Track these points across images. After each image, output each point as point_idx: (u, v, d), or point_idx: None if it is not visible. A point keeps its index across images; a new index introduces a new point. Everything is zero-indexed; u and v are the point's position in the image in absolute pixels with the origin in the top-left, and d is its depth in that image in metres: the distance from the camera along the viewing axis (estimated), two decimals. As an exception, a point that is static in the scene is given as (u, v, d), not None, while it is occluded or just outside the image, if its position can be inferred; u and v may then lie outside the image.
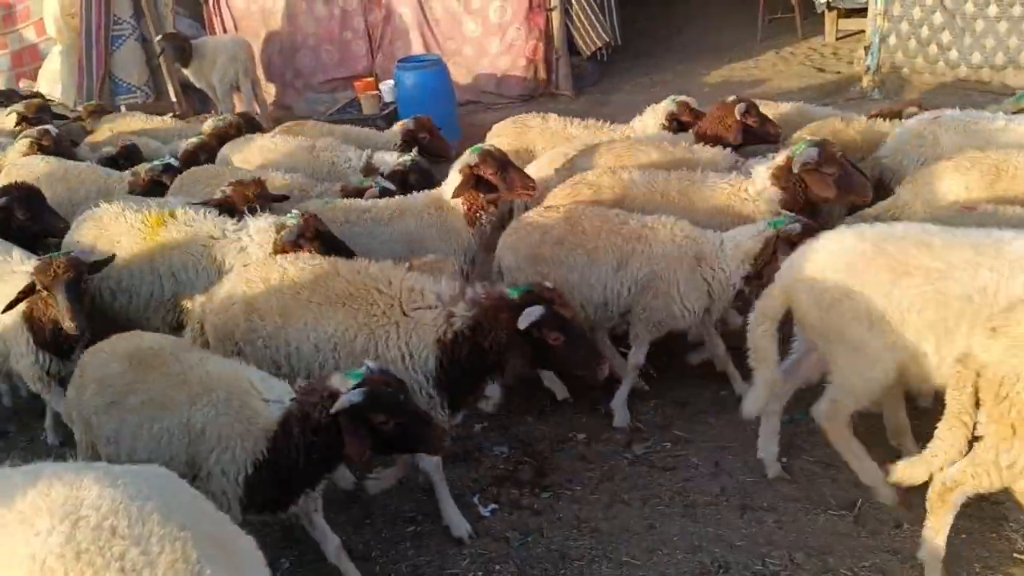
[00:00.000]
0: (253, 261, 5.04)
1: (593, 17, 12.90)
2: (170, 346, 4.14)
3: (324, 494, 4.00)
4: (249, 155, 7.46)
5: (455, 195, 5.59)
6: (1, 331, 5.10)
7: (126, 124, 9.37)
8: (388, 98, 11.29)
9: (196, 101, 13.13)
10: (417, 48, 13.00)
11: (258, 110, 11.78)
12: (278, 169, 6.90)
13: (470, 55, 13.14)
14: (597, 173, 5.91)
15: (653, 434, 5.26)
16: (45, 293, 4.81)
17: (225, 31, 13.32)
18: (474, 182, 5.55)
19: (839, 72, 12.78)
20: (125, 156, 7.94)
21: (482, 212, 5.66)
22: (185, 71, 12.06)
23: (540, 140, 7.51)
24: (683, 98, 7.39)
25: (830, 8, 13.83)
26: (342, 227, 5.52)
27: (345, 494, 4.84)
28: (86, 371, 4.10)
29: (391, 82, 11.32)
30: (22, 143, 7.78)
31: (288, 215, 5.20)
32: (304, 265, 4.54)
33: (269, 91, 13.42)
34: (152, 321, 5.52)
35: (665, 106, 7.32)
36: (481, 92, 13.03)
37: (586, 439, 5.26)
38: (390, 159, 6.99)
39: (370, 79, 12.25)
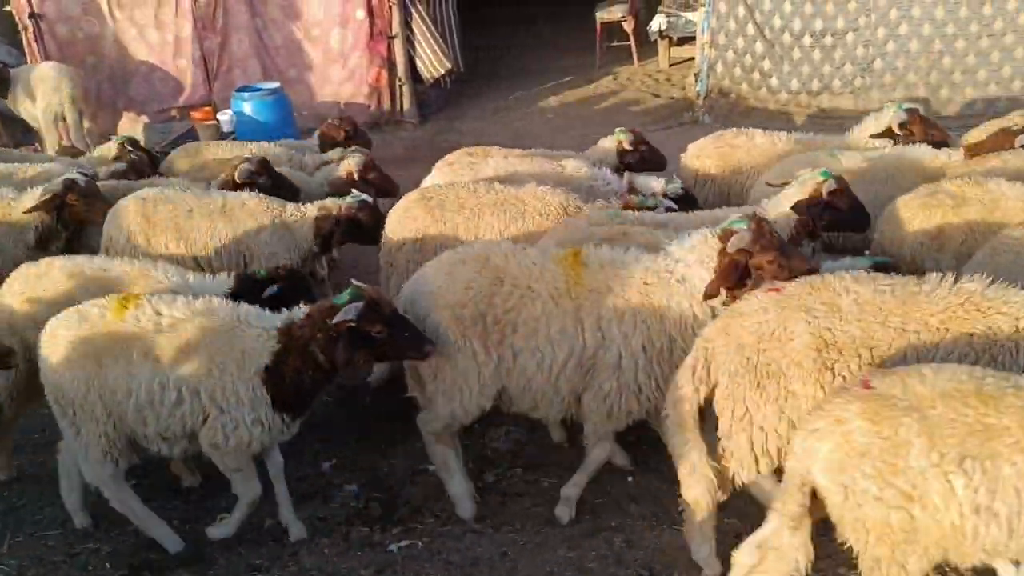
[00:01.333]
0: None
1: (435, 44, 13.00)
2: None
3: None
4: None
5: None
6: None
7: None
8: (227, 128, 10.97)
9: (18, 132, 12.35)
10: (257, 76, 12.70)
11: (87, 141, 11.18)
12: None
13: (312, 83, 12.97)
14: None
15: (504, 460, 5.29)
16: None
17: (48, 58, 12.57)
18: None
19: (673, 97, 13.37)
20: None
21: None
22: (3, 101, 11.32)
23: (748, 159, 7.09)
24: (910, 106, 7.12)
25: (663, 36, 14.46)
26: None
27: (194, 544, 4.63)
28: None
29: (230, 111, 11.00)
30: None
31: (732, 220, 4.22)
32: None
33: (101, 121, 12.75)
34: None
35: (894, 114, 7.02)
36: (324, 120, 12.84)
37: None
38: (655, 183, 6.38)
39: (207, 108, 11.87)
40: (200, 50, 12.87)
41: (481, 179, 6.33)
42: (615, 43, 15.35)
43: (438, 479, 4.98)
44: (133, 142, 8.53)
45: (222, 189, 6.81)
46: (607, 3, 15.17)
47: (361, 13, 12.56)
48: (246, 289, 4.94)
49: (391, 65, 12.85)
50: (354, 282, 4.28)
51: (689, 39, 13.84)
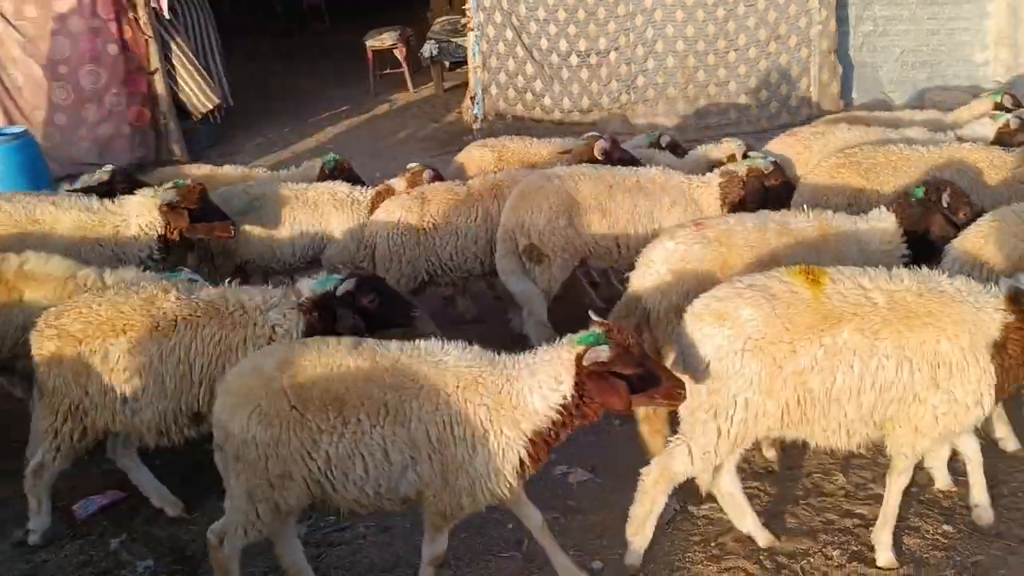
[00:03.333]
0: None
1: (200, 79, 12.37)
2: None
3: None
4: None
5: None
6: None
7: None
8: (-34, 178, 9.82)
9: None
10: (-1, 120, 11.53)
11: None
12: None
13: (64, 124, 11.92)
14: None
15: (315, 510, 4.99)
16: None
17: None
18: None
19: (450, 122, 13.46)
20: None
21: None
22: None
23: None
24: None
25: (435, 62, 14.55)
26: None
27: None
28: None
29: (-32, 160, 9.86)
30: None
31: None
32: None
33: None
34: None
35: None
36: (82, 164, 11.85)
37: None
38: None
39: (-60, 158, 10.60)
40: (-72, 95, 11.52)
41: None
42: (388, 71, 15.29)
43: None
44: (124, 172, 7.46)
45: None
46: (376, 31, 15.10)
47: (114, 48, 11.72)
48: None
49: (153, 102, 12.09)
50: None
51: (462, 63, 14.02)
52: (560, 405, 3.55)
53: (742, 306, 3.84)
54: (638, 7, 11.50)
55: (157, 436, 4.49)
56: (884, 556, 4.11)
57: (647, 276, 4.88)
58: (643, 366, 3.53)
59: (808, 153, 6.68)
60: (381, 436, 3.57)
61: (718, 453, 3.98)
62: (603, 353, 3.46)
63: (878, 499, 4.33)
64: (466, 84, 13.53)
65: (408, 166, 7.25)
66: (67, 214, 6.01)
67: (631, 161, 6.65)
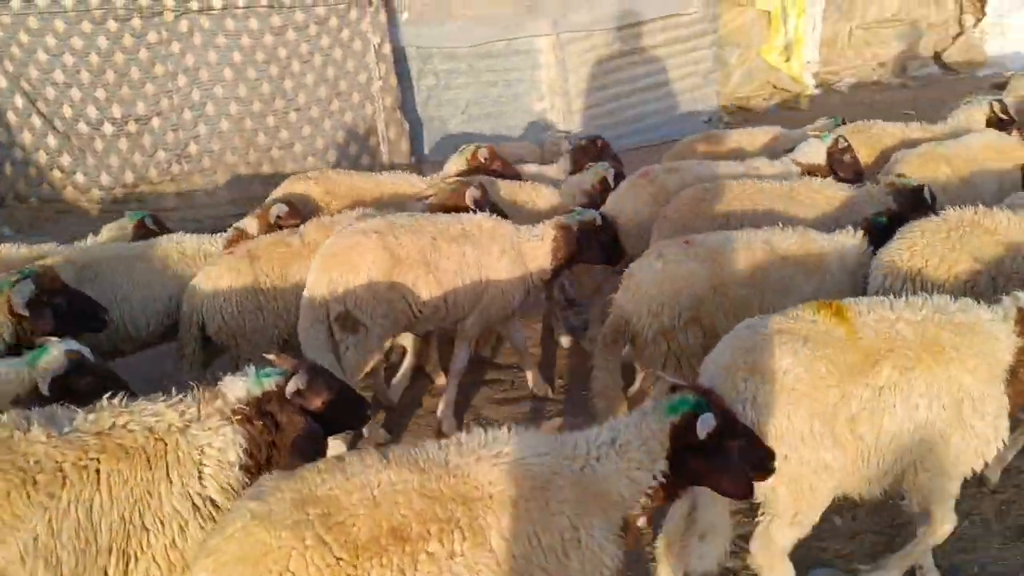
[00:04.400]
0: None
1: None
2: None
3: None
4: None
5: None
6: None
7: None
8: None
9: None
10: None
11: None
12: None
13: None
14: None
15: None
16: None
17: None
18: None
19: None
20: None
21: None
22: None
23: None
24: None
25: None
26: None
27: None
28: None
29: None
30: None
31: None
32: None
33: None
34: None
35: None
36: None
37: None
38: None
39: None
40: None
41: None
42: None
43: None
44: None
45: None
46: None
47: None
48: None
49: None
50: None
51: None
52: (650, 488, 3.05)
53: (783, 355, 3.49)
54: (179, 66, 10.10)
55: None
56: None
57: (637, 297, 4.67)
58: (747, 435, 3.16)
59: (663, 192, 6.21)
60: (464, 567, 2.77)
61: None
62: (710, 422, 3.00)
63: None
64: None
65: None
66: None
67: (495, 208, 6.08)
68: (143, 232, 6.38)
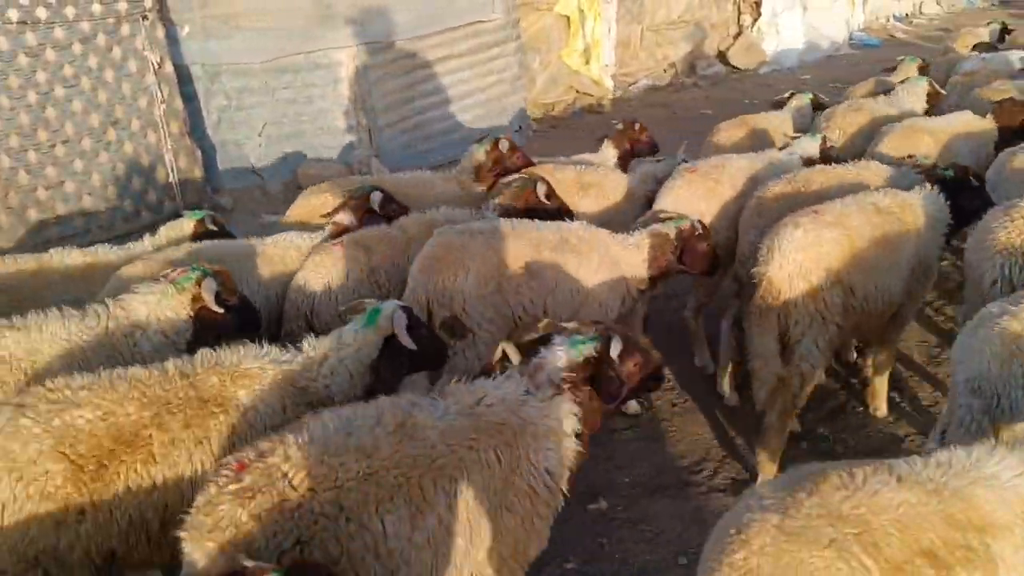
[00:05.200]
0: None
1: None
2: None
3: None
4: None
5: None
6: None
7: None
8: None
9: None
10: None
11: None
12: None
13: None
14: None
15: None
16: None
17: None
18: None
19: None
20: None
21: None
22: None
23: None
24: None
25: None
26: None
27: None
28: None
29: None
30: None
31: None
32: None
33: None
34: None
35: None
36: None
37: None
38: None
39: None
40: None
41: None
42: None
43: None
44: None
45: None
46: None
47: None
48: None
49: None
50: None
51: None
52: None
53: None
54: (-92, 98, 8.38)
55: None
56: None
57: (785, 265, 4.95)
58: None
59: (718, 186, 6.32)
60: None
61: None
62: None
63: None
64: None
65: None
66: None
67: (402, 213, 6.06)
68: (203, 231, 6.18)
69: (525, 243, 5.10)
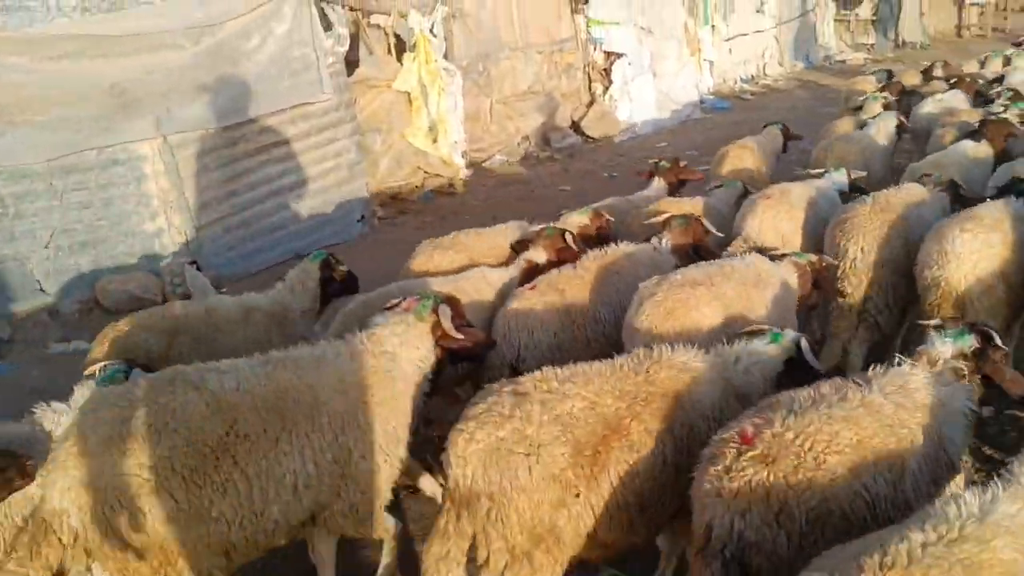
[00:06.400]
0: None
1: None
2: None
3: None
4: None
5: None
6: None
7: None
8: None
9: None
10: None
11: None
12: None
13: None
14: None
15: None
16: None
17: None
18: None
19: None
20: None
21: None
22: None
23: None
24: None
25: None
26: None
27: None
28: None
29: None
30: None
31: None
32: None
33: None
34: None
35: None
36: None
37: None
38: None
39: None
40: None
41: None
42: None
43: None
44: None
45: None
46: None
47: None
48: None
49: None
50: None
51: None
52: None
53: None
54: None
55: None
56: None
57: (958, 266, 5.56)
58: None
59: (793, 208, 7.03)
60: None
61: None
62: None
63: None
64: None
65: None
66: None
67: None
68: (328, 272, 6.30)
69: (734, 284, 5.32)
